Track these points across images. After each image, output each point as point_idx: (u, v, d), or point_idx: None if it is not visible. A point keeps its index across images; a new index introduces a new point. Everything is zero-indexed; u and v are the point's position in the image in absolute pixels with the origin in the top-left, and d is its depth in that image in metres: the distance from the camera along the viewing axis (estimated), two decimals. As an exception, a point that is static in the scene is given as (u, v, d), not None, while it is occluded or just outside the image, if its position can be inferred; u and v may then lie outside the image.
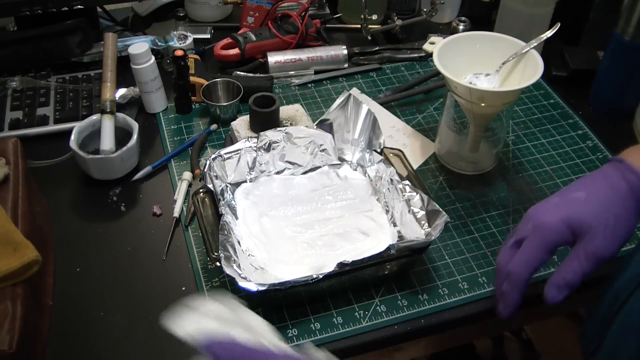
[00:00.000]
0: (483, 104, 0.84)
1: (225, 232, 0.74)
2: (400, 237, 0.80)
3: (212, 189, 0.80)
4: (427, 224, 0.77)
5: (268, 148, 0.86)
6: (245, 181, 0.86)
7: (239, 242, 0.77)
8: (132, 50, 0.97)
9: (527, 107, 1.07)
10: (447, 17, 1.28)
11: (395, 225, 0.82)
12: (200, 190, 0.81)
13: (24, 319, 0.64)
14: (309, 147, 0.88)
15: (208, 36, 1.22)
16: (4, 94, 1.04)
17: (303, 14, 1.16)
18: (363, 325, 0.75)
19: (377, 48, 1.19)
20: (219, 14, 1.28)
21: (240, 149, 0.85)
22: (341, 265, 0.71)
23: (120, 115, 0.94)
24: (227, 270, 0.69)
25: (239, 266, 0.72)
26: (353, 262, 0.71)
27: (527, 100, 1.09)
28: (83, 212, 0.90)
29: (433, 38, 1.18)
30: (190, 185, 0.92)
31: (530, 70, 0.85)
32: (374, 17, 1.24)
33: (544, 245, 0.64)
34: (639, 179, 0.65)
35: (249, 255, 0.77)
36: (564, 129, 1.03)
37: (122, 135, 0.93)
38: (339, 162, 0.90)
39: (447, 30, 1.25)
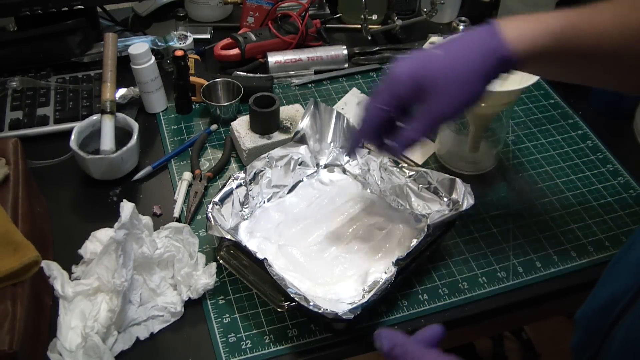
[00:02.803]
0: (483, 104, 0.84)
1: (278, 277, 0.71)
2: (415, 216, 0.83)
3: (230, 238, 0.75)
4: (445, 195, 0.81)
5: (255, 179, 0.85)
6: (242, 220, 0.84)
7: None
8: (132, 50, 0.97)
9: (527, 107, 1.07)
10: (447, 17, 1.28)
11: (404, 208, 0.84)
12: (223, 247, 0.77)
13: (24, 319, 0.64)
14: (289, 164, 0.88)
15: (208, 36, 1.22)
16: (4, 94, 1.04)
17: (303, 14, 1.16)
18: (363, 326, 0.75)
19: (377, 48, 1.19)
20: (219, 14, 1.28)
21: (231, 189, 0.82)
22: (397, 262, 0.72)
23: (120, 115, 0.94)
24: (322, 310, 0.68)
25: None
26: (408, 253, 0.73)
27: (527, 100, 1.09)
28: (83, 212, 0.90)
29: (433, 38, 1.18)
30: (190, 185, 0.92)
31: (530, 70, 0.85)
32: (374, 17, 1.24)
33: (392, 95, 0.65)
34: (503, 49, 0.62)
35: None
36: (564, 129, 1.03)
37: (122, 135, 0.93)
38: (315, 169, 0.91)
39: (447, 30, 1.25)
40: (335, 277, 0.78)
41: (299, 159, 0.89)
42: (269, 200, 0.87)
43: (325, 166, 0.91)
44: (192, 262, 0.77)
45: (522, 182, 0.94)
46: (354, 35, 1.24)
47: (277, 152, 0.87)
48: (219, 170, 0.94)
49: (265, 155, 0.85)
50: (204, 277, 0.76)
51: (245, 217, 0.84)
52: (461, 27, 1.22)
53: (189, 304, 0.76)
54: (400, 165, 0.85)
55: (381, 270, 0.78)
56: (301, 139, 0.89)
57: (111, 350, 0.71)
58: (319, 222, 0.85)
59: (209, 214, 0.76)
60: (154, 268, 0.77)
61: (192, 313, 0.76)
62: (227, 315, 0.76)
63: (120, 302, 0.70)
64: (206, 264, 0.79)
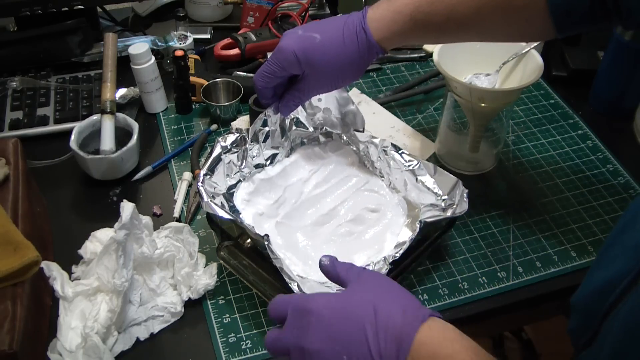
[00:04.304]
0: (483, 104, 0.84)
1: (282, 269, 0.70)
2: (408, 202, 0.83)
3: (224, 217, 0.75)
4: (441, 191, 0.81)
5: (256, 137, 0.84)
6: (241, 181, 0.84)
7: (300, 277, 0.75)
8: (132, 50, 0.97)
9: (527, 107, 1.07)
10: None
11: (397, 191, 0.85)
12: (223, 247, 0.77)
13: (24, 319, 0.64)
14: (285, 123, 0.87)
15: (208, 36, 1.22)
16: (4, 94, 1.04)
17: (303, 14, 1.16)
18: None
19: (377, 48, 1.19)
20: (219, 14, 1.28)
21: (219, 154, 0.81)
22: (392, 262, 0.72)
23: (120, 115, 0.94)
24: None
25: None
26: (402, 252, 0.73)
27: (527, 100, 1.09)
28: (83, 212, 0.90)
29: (433, 38, 1.18)
30: (190, 185, 0.92)
31: (530, 70, 0.85)
32: (374, 17, 1.23)
33: (277, 64, 0.75)
34: (371, 40, 0.73)
35: (298, 276, 0.75)
36: (564, 129, 1.03)
37: (122, 135, 0.93)
38: (312, 130, 0.90)
39: (447, 30, 1.25)
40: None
41: (294, 118, 0.88)
42: (267, 160, 0.87)
43: (322, 129, 0.91)
44: (192, 262, 0.77)
45: (522, 182, 0.94)
46: (354, 35, 1.24)
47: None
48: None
49: (263, 114, 0.84)
50: (205, 278, 0.76)
51: (244, 177, 0.84)
52: (461, 27, 1.22)
53: (189, 304, 0.76)
54: (401, 152, 0.85)
55: (368, 257, 0.78)
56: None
57: (111, 350, 0.71)
58: (314, 200, 0.85)
59: (200, 187, 0.76)
60: (154, 268, 0.77)
61: (192, 313, 0.76)
62: (227, 315, 0.76)
63: (120, 302, 0.70)
64: (206, 264, 0.79)
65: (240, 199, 0.83)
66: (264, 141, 0.86)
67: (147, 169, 0.94)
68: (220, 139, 0.82)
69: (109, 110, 0.93)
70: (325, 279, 0.65)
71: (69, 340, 0.70)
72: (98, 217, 0.86)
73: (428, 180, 0.82)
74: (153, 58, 1.00)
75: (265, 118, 0.84)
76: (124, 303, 0.71)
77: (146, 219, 0.76)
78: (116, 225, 0.69)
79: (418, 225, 0.75)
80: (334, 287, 0.72)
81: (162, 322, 0.75)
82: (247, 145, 0.84)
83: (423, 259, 0.80)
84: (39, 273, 0.69)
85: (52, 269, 0.72)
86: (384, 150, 0.86)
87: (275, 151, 0.88)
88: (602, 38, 1.04)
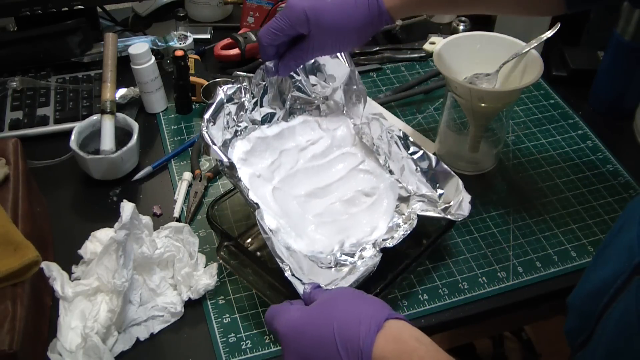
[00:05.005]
0: (483, 104, 0.84)
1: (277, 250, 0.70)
2: (402, 187, 0.83)
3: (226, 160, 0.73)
4: (439, 185, 0.81)
5: (254, 88, 0.83)
6: (235, 137, 0.82)
7: (287, 249, 0.74)
8: (132, 50, 0.97)
9: (527, 107, 1.07)
10: (447, 17, 1.28)
11: (392, 173, 0.84)
12: (223, 247, 0.77)
13: (24, 319, 0.64)
14: (286, 82, 0.86)
15: (208, 36, 1.22)
16: (4, 94, 1.04)
17: (303, 14, 1.16)
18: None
19: (377, 48, 1.19)
20: (219, 14, 1.28)
21: (222, 100, 0.79)
22: (382, 249, 0.73)
23: (120, 115, 0.94)
24: (300, 290, 0.66)
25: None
26: (395, 245, 0.74)
27: (527, 100, 1.09)
28: (83, 212, 0.90)
29: (433, 38, 1.18)
30: (190, 185, 0.91)
31: (530, 70, 0.85)
32: (374, 17, 1.23)
33: (286, 21, 0.74)
34: (381, 7, 0.75)
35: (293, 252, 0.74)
36: (564, 129, 1.03)
37: (122, 136, 0.93)
38: (311, 97, 0.88)
39: (447, 30, 1.25)
40: (318, 234, 0.78)
41: (295, 81, 0.87)
42: (264, 117, 0.85)
43: (323, 98, 0.89)
44: (192, 262, 0.77)
45: (522, 182, 0.94)
46: (354, 35, 1.24)
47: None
48: (219, 171, 0.94)
49: (262, 67, 0.82)
50: (205, 278, 0.76)
51: (239, 132, 0.82)
52: (461, 27, 1.22)
53: (189, 304, 0.76)
54: (404, 136, 0.84)
55: (357, 239, 0.78)
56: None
57: (111, 350, 0.71)
58: (310, 172, 0.85)
59: (205, 133, 0.74)
60: (154, 268, 0.77)
61: (192, 313, 0.76)
62: (227, 315, 0.76)
63: (120, 302, 0.70)
64: (206, 264, 0.79)
65: (237, 157, 0.82)
66: (262, 97, 0.84)
67: (147, 169, 0.94)
68: (221, 87, 0.80)
69: (109, 110, 0.93)
70: (311, 252, 0.70)
71: (69, 340, 0.70)
72: (98, 217, 0.86)
73: (428, 173, 0.82)
74: (153, 58, 1.00)
75: (264, 73, 0.82)
76: (124, 303, 0.71)
77: (146, 219, 0.76)
78: (116, 225, 0.69)
79: (414, 219, 0.75)
80: (320, 264, 0.73)
81: (162, 322, 0.75)
82: (247, 97, 0.82)
83: (423, 259, 0.80)
84: (39, 273, 0.69)
85: (52, 269, 0.72)
86: (389, 132, 0.85)
87: (272, 110, 0.86)
88: (602, 38, 1.04)
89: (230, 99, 0.81)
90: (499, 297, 0.79)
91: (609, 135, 1.01)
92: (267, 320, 0.63)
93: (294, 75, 0.86)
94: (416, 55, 1.18)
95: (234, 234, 0.81)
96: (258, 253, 0.81)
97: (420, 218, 0.77)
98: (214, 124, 0.78)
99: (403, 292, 0.78)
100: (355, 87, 0.88)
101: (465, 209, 0.78)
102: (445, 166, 0.81)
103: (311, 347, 0.57)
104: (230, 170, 0.72)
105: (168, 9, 1.27)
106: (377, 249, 0.74)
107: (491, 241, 0.85)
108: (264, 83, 0.84)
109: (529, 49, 0.86)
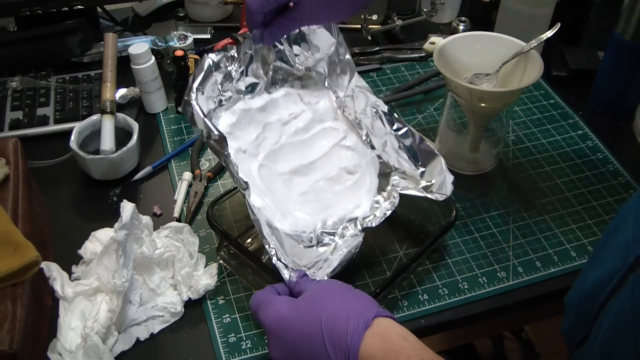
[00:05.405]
0: (483, 104, 0.84)
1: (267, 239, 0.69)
2: (383, 163, 0.82)
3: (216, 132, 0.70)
4: (421, 163, 0.79)
5: (240, 58, 0.80)
6: (219, 106, 0.79)
7: (270, 226, 0.73)
8: (132, 50, 0.97)
9: (527, 107, 1.07)
10: (447, 17, 1.28)
11: (373, 148, 0.83)
12: (223, 246, 0.78)
13: (24, 319, 0.64)
14: (271, 52, 0.83)
15: (208, 36, 1.22)
16: (4, 94, 1.04)
17: (303, 14, 1.16)
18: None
19: (377, 48, 1.19)
20: (219, 14, 1.28)
21: (210, 66, 0.76)
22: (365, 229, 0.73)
23: (120, 115, 0.94)
24: (290, 278, 0.66)
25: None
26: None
27: (527, 100, 1.09)
28: (83, 212, 0.90)
29: (433, 38, 1.18)
30: (190, 185, 0.92)
31: (530, 70, 0.85)
32: (374, 17, 1.24)
33: None
34: None
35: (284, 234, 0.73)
36: (564, 129, 1.03)
37: (122, 135, 0.93)
38: (294, 67, 0.86)
39: (447, 30, 1.25)
40: (302, 213, 0.77)
41: (278, 51, 0.84)
42: (247, 88, 0.82)
43: (306, 69, 0.86)
44: (193, 262, 0.77)
45: (522, 182, 0.94)
46: (354, 35, 1.24)
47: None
48: (219, 170, 0.94)
49: (249, 37, 0.79)
50: (205, 278, 0.76)
51: (222, 102, 0.79)
52: (461, 28, 1.22)
53: (189, 304, 0.76)
54: (389, 111, 0.82)
55: (339, 217, 0.77)
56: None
57: (111, 350, 0.71)
58: (294, 147, 0.83)
59: (194, 103, 0.71)
60: (154, 268, 0.77)
61: (192, 313, 0.76)
62: (227, 315, 0.76)
63: (120, 302, 0.70)
64: (206, 264, 0.79)
65: (223, 131, 0.78)
66: (247, 67, 0.82)
67: (147, 169, 0.94)
68: (209, 55, 0.77)
69: (109, 110, 0.93)
70: (294, 231, 0.69)
71: (69, 341, 0.70)
72: (98, 217, 0.86)
73: (411, 149, 0.80)
74: (153, 58, 1.00)
75: (251, 42, 0.80)
76: (124, 303, 0.71)
77: (146, 219, 0.76)
78: (116, 225, 0.69)
79: (395, 198, 0.75)
80: (302, 242, 0.73)
81: (162, 322, 0.75)
82: (234, 66, 0.80)
83: (423, 259, 0.80)
84: (39, 273, 0.69)
85: (52, 269, 0.72)
86: (375, 107, 0.83)
87: (255, 80, 0.83)
88: (602, 38, 1.04)
89: (217, 67, 0.78)
90: (499, 297, 0.79)
91: (609, 135, 1.01)
92: (252, 309, 0.63)
93: (277, 44, 0.83)
94: (416, 55, 1.18)
95: (234, 234, 0.81)
96: (258, 253, 0.81)
97: (419, 217, 0.77)
98: (203, 93, 0.75)
99: (403, 292, 0.78)
100: (341, 57, 0.86)
101: (448, 189, 0.76)
102: (430, 145, 0.80)
103: (298, 342, 0.57)
104: (219, 143, 0.70)
105: (168, 9, 1.27)
106: (360, 228, 0.73)
107: (491, 241, 0.85)
108: (250, 52, 0.81)
109: (529, 49, 0.86)
